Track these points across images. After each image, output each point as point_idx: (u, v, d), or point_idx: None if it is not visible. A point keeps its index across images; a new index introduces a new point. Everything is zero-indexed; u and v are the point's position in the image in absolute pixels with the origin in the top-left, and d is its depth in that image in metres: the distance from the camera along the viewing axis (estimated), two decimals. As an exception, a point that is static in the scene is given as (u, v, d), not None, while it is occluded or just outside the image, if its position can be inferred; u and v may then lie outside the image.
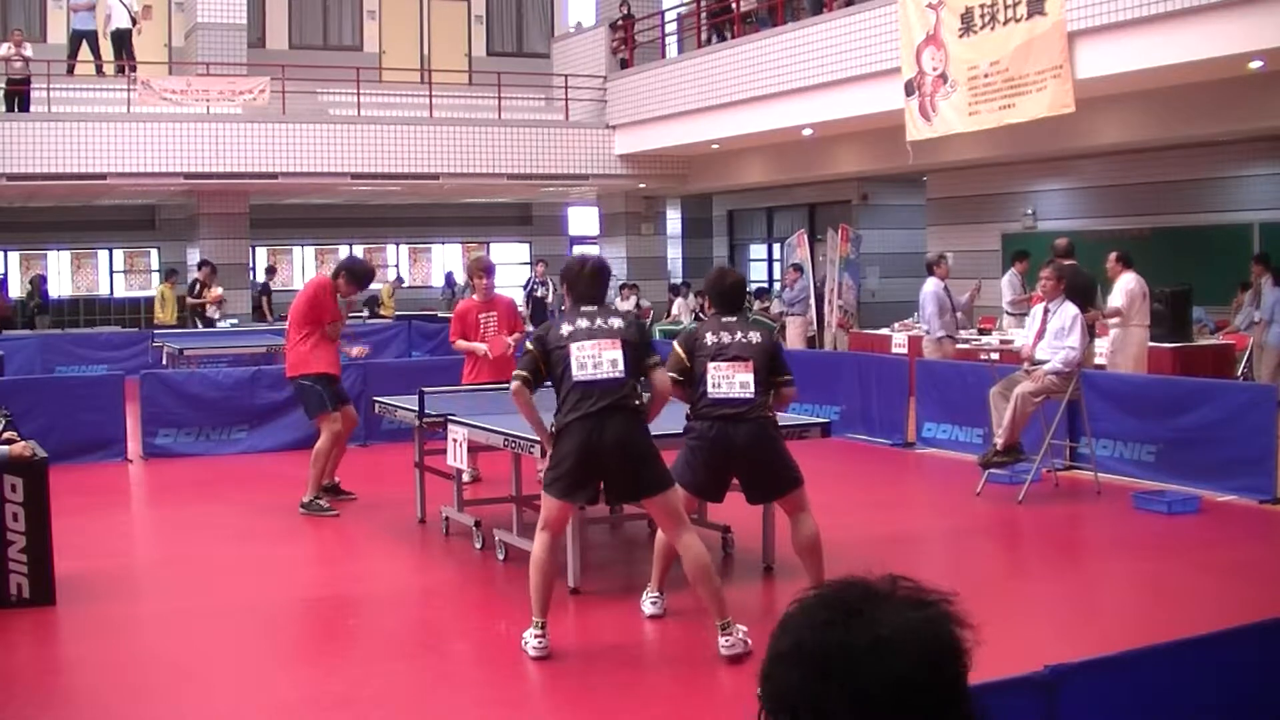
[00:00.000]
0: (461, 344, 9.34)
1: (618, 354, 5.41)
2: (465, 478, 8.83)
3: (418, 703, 5.08)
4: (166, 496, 9.93)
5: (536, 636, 5.45)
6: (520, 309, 19.96)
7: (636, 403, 5.50)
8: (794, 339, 17.14)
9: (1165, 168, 16.29)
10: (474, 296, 9.61)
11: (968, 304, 13.10)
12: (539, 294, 20.38)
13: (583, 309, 5.59)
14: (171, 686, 5.32)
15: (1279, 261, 13.36)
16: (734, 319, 5.99)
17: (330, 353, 8.91)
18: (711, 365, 5.83)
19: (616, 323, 5.52)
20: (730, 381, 5.81)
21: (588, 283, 5.68)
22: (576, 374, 5.41)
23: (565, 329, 5.52)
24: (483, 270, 9.43)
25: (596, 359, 5.41)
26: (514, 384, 5.59)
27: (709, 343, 5.89)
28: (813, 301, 17.83)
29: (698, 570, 5.45)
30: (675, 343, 6.13)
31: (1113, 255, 11.29)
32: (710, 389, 5.85)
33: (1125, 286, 10.99)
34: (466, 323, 9.36)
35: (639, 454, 5.45)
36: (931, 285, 12.53)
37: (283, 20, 24.08)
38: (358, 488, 9.32)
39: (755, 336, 5.95)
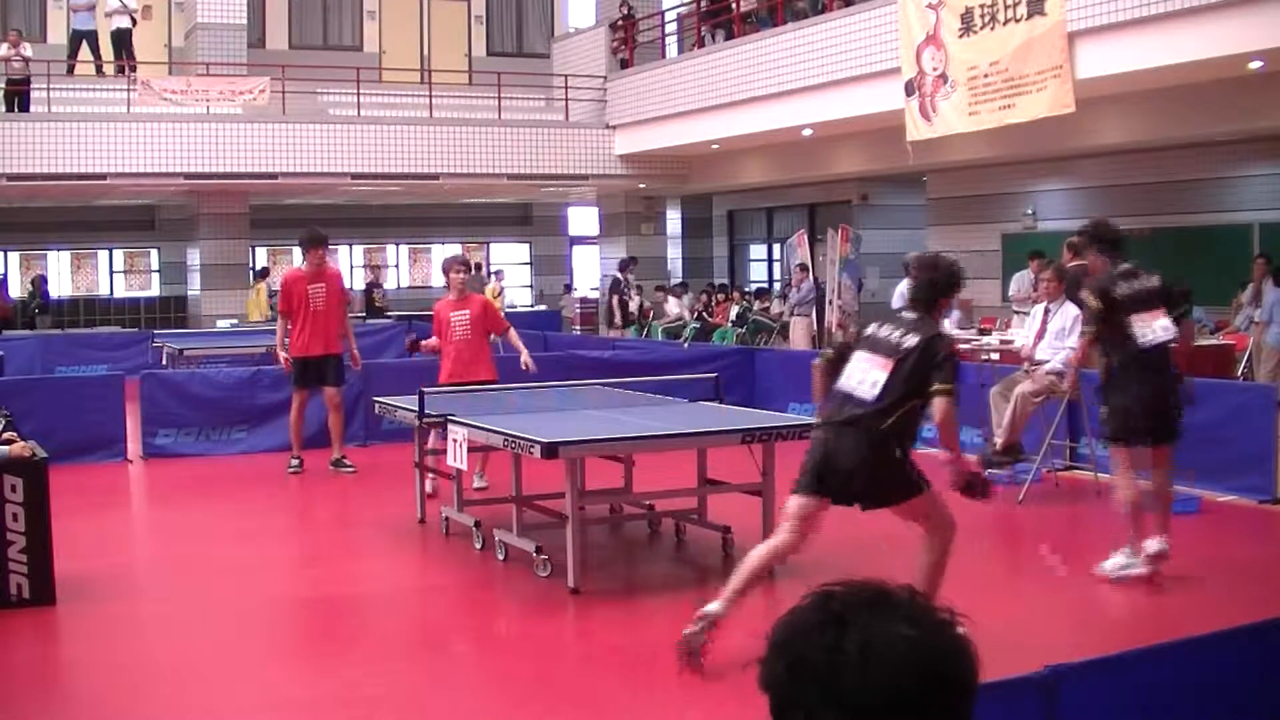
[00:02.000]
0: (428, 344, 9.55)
1: (882, 377, 5.22)
2: (478, 483, 8.85)
3: (418, 703, 5.08)
4: (166, 496, 9.93)
5: (713, 628, 5.24)
6: (614, 311, 19.68)
7: (885, 425, 5.24)
8: (800, 339, 17.13)
9: (1165, 168, 16.28)
10: (448, 295, 9.46)
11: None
12: (626, 296, 19.86)
13: (903, 314, 5.45)
14: (172, 686, 5.31)
15: (1279, 262, 13.36)
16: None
17: (303, 337, 10.04)
18: None
19: (910, 341, 5.24)
20: None
21: (929, 277, 5.47)
22: (841, 381, 5.34)
23: (870, 328, 5.46)
24: (461, 264, 9.48)
25: (863, 375, 5.28)
26: (818, 359, 5.54)
27: None
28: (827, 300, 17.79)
29: (923, 567, 5.37)
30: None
31: None
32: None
33: None
34: (440, 321, 9.32)
35: (868, 473, 5.30)
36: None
37: (283, 20, 24.08)
38: (358, 487, 9.32)
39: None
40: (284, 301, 10.15)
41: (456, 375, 9.11)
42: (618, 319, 19.67)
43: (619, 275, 20.20)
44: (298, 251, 11.68)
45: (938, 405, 5.29)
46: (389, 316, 20.66)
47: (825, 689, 1.37)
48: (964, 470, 5.59)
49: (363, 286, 24.69)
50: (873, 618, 1.40)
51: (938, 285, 5.44)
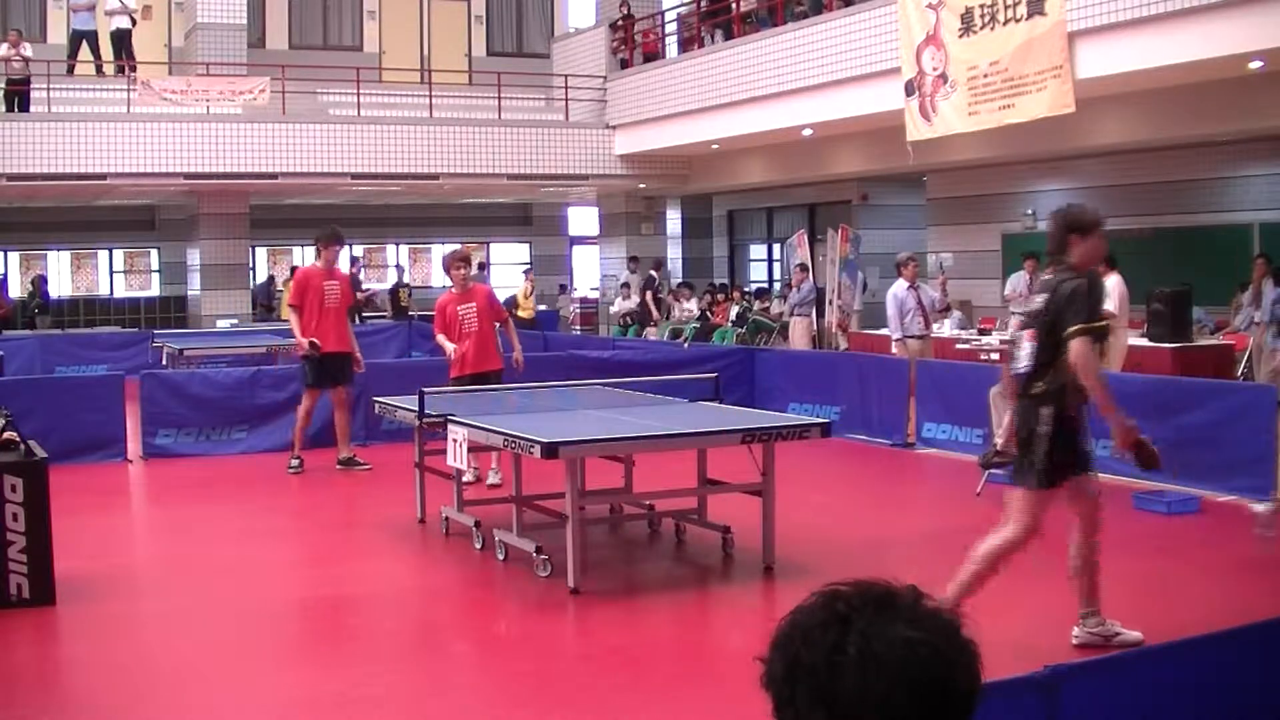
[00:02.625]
0: (440, 341, 9.47)
1: (1029, 346, 5.23)
2: (468, 477, 8.82)
3: (417, 703, 5.08)
4: (166, 496, 9.93)
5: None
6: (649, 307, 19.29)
7: (1034, 389, 5.19)
8: (799, 340, 17.12)
9: (1165, 168, 16.28)
10: (451, 289, 9.61)
11: (941, 299, 13.12)
12: (662, 294, 19.49)
13: (1044, 275, 5.36)
14: (171, 686, 5.31)
15: (1279, 261, 13.35)
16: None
17: (317, 334, 9.99)
18: None
19: (1039, 300, 5.23)
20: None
21: (1050, 232, 5.37)
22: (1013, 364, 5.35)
23: (1033, 299, 5.37)
24: (461, 260, 9.53)
25: (1020, 351, 5.30)
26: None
27: None
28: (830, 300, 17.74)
29: (980, 553, 5.30)
30: None
31: None
32: None
33: (1116, 290, 10.97)
34: (446, 316, 9.42)
35: (1021, 441, 5.30)
36: (894, 286, 12.59)
37: (283, 20, 24.08)
38: (358, 487, 9.31)
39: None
40: (298, 295, 10.20)
41: (470, 367, 9.24)
42: (657, 314, 19.11)
43: (653, 274, 19.73)
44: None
45: (1072, 349, 5.04)
46: (412, 316, 20.70)
47: (822, 690, 1.36)
48: (1126, 431, 5.31)
49: (389, 286, 24.59)
50: (876, 619, 1.38)
51: (1058, 225, 5.31)
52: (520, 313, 21.13)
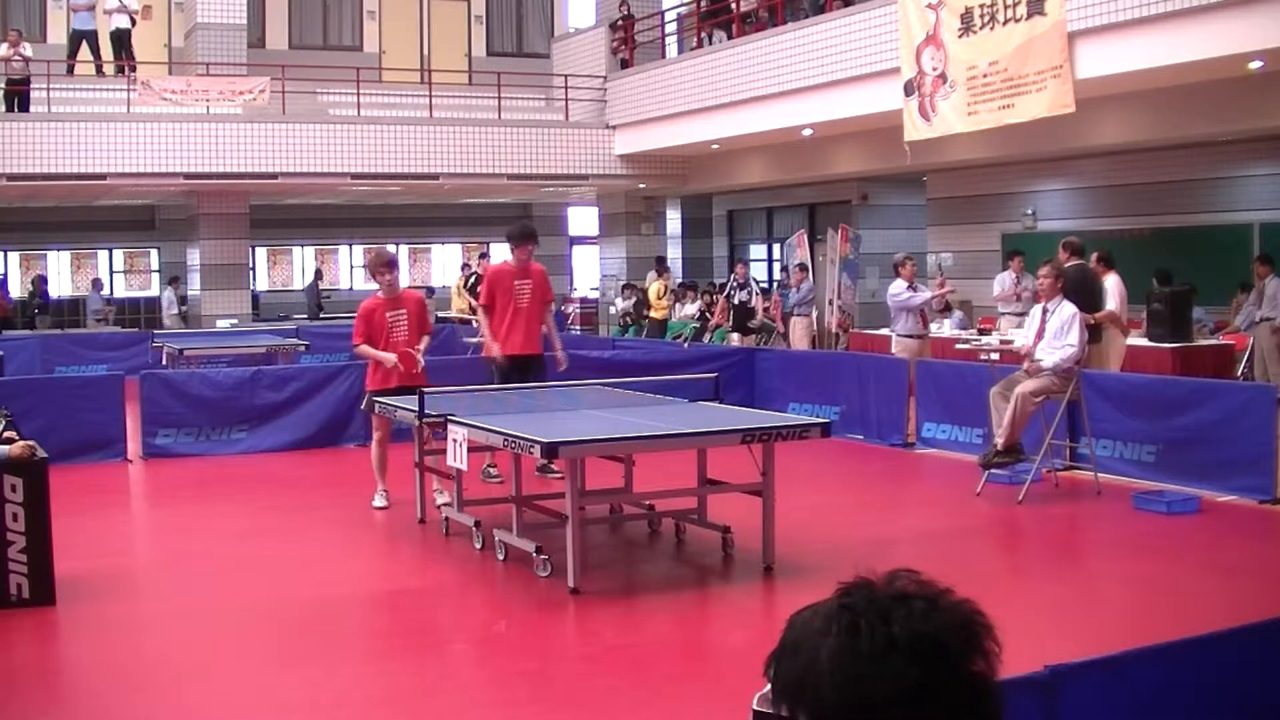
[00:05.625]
0: (366, 350, 8.63)
1: None
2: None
3: (417, 703, 5.08)
4: (166, 496, 9.93)
5: None
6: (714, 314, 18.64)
7: None
8: (800, 340, 17.11)
9: (1165, 168, 16.28)
10: (379, 294, 8.80)
11: (938, 300, 13.13)
12: (740, 298, 18.86)
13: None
14: (171, 686, 5.31)
15: None
16: None
17: (515, 334, 9.32)
18: None
19: None
20: None
21: None
22: None
23: None
24: (386, 265, 8.75)
25: None
26: None
27: None
28: (826, 299, 17.61)
29: None
30: None
31: (1094, 256, 11.21)
32: None
33: (1116, 290, 10.97)
34: (372, 323, 8.62)
35: None
36: (892, 286, 12.60)
37: (283, 20, 24.07)
38: (358, 488, 9.30)
39: None
40: (489, 295, 9.51)
41: (396, 379, 8.56)
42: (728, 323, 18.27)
43: (733, 277, 18.91)
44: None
45: None
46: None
47: (845, 687, 1.36)
48: None
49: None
50: (892, 611, 1.39)
51: None
52: (653, 314, 20.48)
